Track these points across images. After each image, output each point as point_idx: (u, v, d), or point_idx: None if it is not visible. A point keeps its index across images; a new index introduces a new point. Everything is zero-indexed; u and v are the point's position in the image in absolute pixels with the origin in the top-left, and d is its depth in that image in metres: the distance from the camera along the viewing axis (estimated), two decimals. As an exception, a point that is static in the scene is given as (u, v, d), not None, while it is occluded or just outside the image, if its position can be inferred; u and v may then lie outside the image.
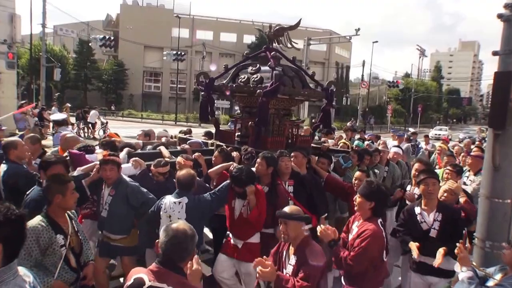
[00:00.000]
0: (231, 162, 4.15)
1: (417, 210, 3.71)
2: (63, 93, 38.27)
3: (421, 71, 65.96)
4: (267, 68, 5.24)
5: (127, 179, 3.78)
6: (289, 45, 5.78)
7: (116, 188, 3.69)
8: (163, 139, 5.91)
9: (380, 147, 6.80)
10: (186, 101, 46.43)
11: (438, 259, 3.17)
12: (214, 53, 44.66)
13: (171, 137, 6.31)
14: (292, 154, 4.47)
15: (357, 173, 4.38)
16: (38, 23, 25.66)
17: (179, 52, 34.33)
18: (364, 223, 3.11)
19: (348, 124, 22.19)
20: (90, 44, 40.00)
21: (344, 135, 9.85)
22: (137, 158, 4.11)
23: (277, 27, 5.53)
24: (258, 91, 4.77)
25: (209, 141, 5.61)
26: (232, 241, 3.85)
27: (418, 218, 3.69)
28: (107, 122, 22.34)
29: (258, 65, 5.40)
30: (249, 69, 5.46)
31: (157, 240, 2.14)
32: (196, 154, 4.57)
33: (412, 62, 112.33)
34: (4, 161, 3.78)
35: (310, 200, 4.16)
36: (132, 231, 3.79)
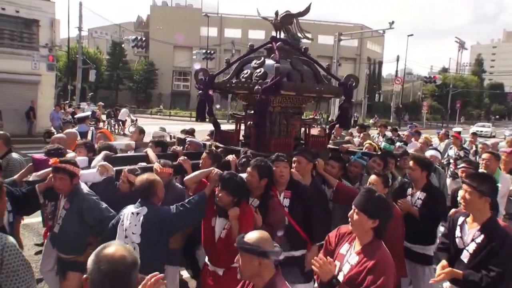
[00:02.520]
0: (211, 168, 3.41)
1: (460, 220, 2.92)
2: (96, 93, 39.28)
3: (460, 65, 62.37)
4: (272, 61, 4.55)
5: (85, 191, 3.21)
6: (299, 34, 5.06)
7: (71, 202, 3.16)
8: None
9: (411, 150, 5.89)
10: (215, 99, 46.32)
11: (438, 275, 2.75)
12: (243, 51, 43.65)
13: (171, 137, 5.77)
14: (294, 158, 3.73)
15: (372, 177, 3.54)
16: (75, 27, 26.69)
17: (208, 51, 34.24)
18: (369, 251, 2.31)
19: (371, 121, 20.89)
20: (122, 45, 40.97)
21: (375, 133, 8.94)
22: (104, 163, 3.52)
23: (284, 14, 4.81)
24: (256, 87, 4.09)
25: (208, 143, 4.99)
26: (210, 267, 3.16)
27: (456, 231, 2.91)
28: (136, 120, 23.07)
29: (262, 58, 4.70)
30: (253, 63, 4.78)
31: (84, 276, 1.58)
32: (181, 158, 3.92)
33: (450, 56, 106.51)
34: None
35: (307, 219, 3.41)
36: (87, 249, 3.19)
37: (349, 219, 2.42)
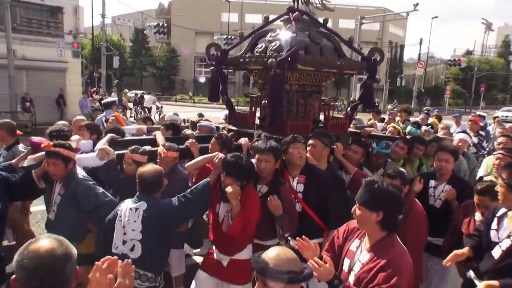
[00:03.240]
0: (216, 153, 3.00)
1: (501, 211, 2.49)
2: (121, 80, 39.43)
3: (486, 48, 59.10)
4: (289, 34, 4.06)
5: (80, 176, 2.86)
6: (319, 5, 4.52)
7: (66, 187, 2.83)
8: None
9: (440, 134, 5.29)
10: (236, 85, 45.76)
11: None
12: (263, 36, 43.16)
13: (184, 121, 5.39)
14: (309, 142, 3.26)
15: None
16: (98, 14, 26.60)
17: (228, 36, 33.61)
18: (382, 248, 1.97)
19: (390, 106, 19.74)
20: (145, 32, 40.81)
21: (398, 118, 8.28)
22: (104, 146, 3.15)
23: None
24: (270, 60, 3.61)
25: (221, 125, 4.57)
26: (215, 255, 2.83)
27: (493, 223, 2.49)
28: (161, 106, 23.07)
29: (278, 31, 4.21)
30: (268, 36, 4.30)
31: (12, 277, 1.31)
32: (189, 141, 3.51)
33: (475, 39, 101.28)
34: None
35: (323, 205, 2.99)
36: (88, 236, 2.95)
37: (354, 214, 2.08)
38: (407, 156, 4.00)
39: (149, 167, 2.63)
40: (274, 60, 3.55)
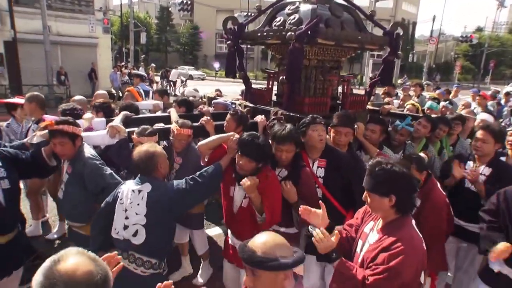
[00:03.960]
0: (231, 133, 2.58)
1: None
2: (147, 55, 38.84)
3: (497, 25, 55.15)
4: (309, 6, 3.53)
5: (87, 154, 2.50)
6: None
7: (73, 165, 2.49)
8: (190, 99, 4.48)
9: (463, 112, 4.72)
10: (254, 60, 44.64)
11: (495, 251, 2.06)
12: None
13: (202, 97, 4.99)
14: (338, 128, 2.77)
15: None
16: None
17: (249, 14, 32.27)
18: (391, 229, 1.71)
19: (400, 81, 18.38)
20: (169, 9, 39.74)
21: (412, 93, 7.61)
22: (115, 124, 2.76)
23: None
24: (289, 33, 3.13)
25: (237, 102, 4.16)
26: (230, 241, 2.51)
27: None
28: (186, 80, 22.70)
29: (297, 3, 3.67)
30: (287, 9, 3.77)
31: None
32: (204, 118, 3.12)
33: (487, 15, 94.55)
34: None
35: (346, 190, 2.58)
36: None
37: (365, 200, 1.82)
38: (429, 136, 3.53)
39: (141, 149, 2.22)
40: (293, 33, 3.06)
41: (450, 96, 8.23)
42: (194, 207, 2.62)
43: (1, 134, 3.73)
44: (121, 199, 2.18)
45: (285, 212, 2.36)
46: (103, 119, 3.23)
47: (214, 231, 4.49)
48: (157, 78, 22.72)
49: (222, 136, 2.55)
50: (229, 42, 3.88)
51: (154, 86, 20.91)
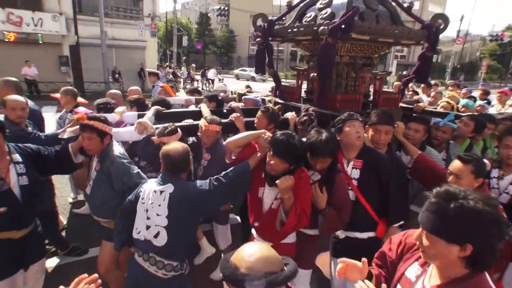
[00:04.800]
0: (262, 130, 2.12)
1: None
2: (188, 56, 39.25)
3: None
4: (342, 1, 3.04)
5: (116, 152, 2.23)
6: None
7: (101, 163, 2.22)
8: (221, 95, 4.14)
9: (510, 110, 4.00)
10: (284, 61, 43.90)
11: None
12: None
13: (232, 93, 4.62)
14: (378, 127, 2.28)
15: (455, 164, 1.92)
16: (171, 0, 26.25)
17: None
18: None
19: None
20: (208, 15, 39.92)
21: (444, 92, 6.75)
22: (142, 120, 2.45)
23: None
24: (321, 27, 2.67)
25: (267, 98, 3.76)
26: (256, 240, 2.12)
27: None
28: (223, 79, 22.81)
29: (330, -2, 3.19)
30: (318, 3, 3.30)
31: None
32: (234, 115, 2.76)
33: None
34: None
35: (384, 196, 2.11)
36: None
37: (417, 243, 1.17)
38: (473, 136, 2.95)
39: (176, 145, 1.93)
40: (326, 27, 2.61)
41: (476, 95, 7.23)
42: (218, 207, 2.27)
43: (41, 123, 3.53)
44: (142, 199, 1.90)
45: (314, 213, 1.98)
46: (135, 112, 2.97)
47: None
48: (197, 77, 22.89)
49: (252, 133, 2.11)
50: (258, 39, 3.47)
51: (195, 84, 21.15)
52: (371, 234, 2.14)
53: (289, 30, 3.27)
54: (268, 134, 2.04)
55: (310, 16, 3.22)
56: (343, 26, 2.62)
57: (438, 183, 1.97)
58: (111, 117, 2.76)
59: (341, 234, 2.19)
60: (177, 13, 29.18)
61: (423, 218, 1.11)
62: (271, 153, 1.85)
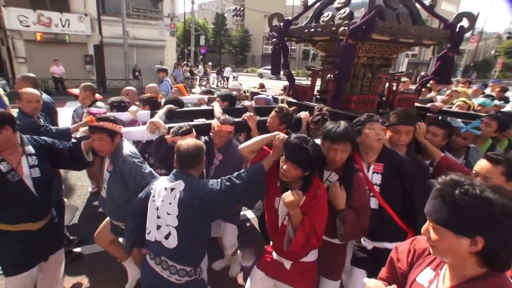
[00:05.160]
0: (275, 132, 1.87)
1: None
2: (204, 55, 39.25)
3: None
4: (360, 0, 2.82)
5: (127, 152, 2.08)
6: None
7: (113, 163, 2.10)
8: (234, 93, 3.93)
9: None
10: (296, 60, 43.32)
11: None
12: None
13: (245, 92, 4.44)
14: (397, 127, 2.05)
15: (482, 163, 1.64)
16: (189, 1, 26.27)
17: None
18: None
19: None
20: (224, 15, 39.73)
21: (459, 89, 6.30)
22: (154, 119, 2.30)
23: None
24: (342, 28, 2.46)
25: (280, 97, 3.55)
26: (275, 257, 1.88)
27: None
28: (237, 76, 22.75)
29: (348, -4, 2.96)
30: (335, 3, 3.07)
31: None
32: (246, 114, 2.59)
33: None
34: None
35: (408, 202, 1.88)
36: None
37: (428, 239, 1.01)
38: (495, 136, 2.68)
39: (189, 140, 1.78)
40: (346, 28, 2.40)
41: (489, 92, 6.74)
42: (230, 208, 2.10)
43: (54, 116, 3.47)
44: (153, 196, 1.75)
45: (330, 220, 1.75)
46: (148, 111, 2.85)
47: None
48: (213, 74, 22.86)
49: (265, 137, 1.89)
50: (274, 39, 3.28)
51: (211, 81, 21.11)
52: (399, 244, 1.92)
53: (306, 30, 3.06)
54: (283, 135, 1.82)
55: (327, 16, 3.00)
56: (363, 27, 2.40)
57: None
58: (125, 115, 2.65)
59: (368, 244, 1.98)
60: (194, 14, 29.11)
61: (428, 208, 0.98)
62: (284, 157, 1.65)
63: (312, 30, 2.97)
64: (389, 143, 2.09)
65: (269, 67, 3.60)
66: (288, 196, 1.57)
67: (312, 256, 1.82)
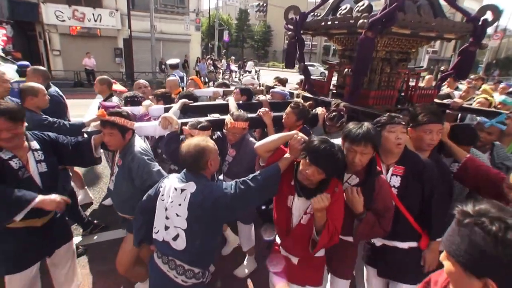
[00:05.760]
0: (293, 132, 1.72)
1: None
2: (227, 50, 39.10)
3: None
4: (381, -10, 2.60)
5: (138, 148, 1.97)
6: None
7: (123, 158, 2.00)
8: (249, 87, 3.67)
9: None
10: (317, 55, 42.27)
11: None
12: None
13: (259, 86, 4.28)
14: (421, 120, 1.84)
15: None
16: None
17: (314, 14, 30.05)
18: None
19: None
20: (247, 11, 39.28)
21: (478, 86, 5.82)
22: (167, 114, 2.19)
23: None
24: (361, 20, 2.27)
25: (295, 92, 3.37)
26: (282, 251, 1.78)
27: None
28: (259, 70, 22.48)
29: (367, -11, 2.74)
30: (354, -5, 2.87)
31: None
32: (262, 109, 2.43)
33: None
34: None
35: (425, 206, 1.72)
36: None
37: (447, 271, 0.85)
38: None
39: (191, 142, 1.61)
40: (366, 21, 2.21)
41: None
42: (244, 212, 2.00)
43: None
44: (162, 195, 1.63)
45: (345, 218, 1.63)
46: (161, 106, 2.74)
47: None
48: (235, 68, 22.64)
49: (282, 135, 1.73)
50: (290, 32, 3.12)
51: (233, 75, 20.97)
52: (412, 244, 1.76)
53: (322, 23, 2.88)
54: (301, 135, 1.66)
55: (345, 9, 2.80)
56: (383, 20, 2.21)
57: (494, 189, 1.62)
58: (137, 110, 2.56)
59: (377, 241, 1.85)
60: (219, 9, 28.92)
61: (447, 240, 0.84)
62: (308, 161, 1.50)
63: (329, 23, 2.79)
64: (415, 144, 1.88)
65: (315, 64, 3.40)
66: (318, 201, 1.45)
67: (320, 251, 1.71)
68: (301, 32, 3.12)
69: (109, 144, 2.00)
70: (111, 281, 2.53)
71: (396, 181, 1.74)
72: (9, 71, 7.63)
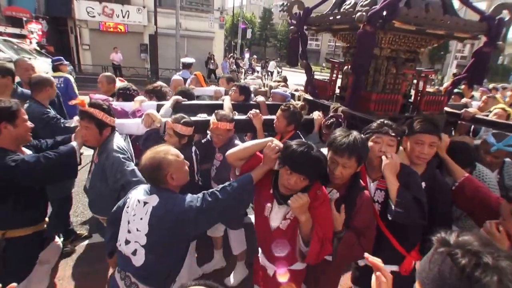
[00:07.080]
0: (269, 138, 1.53)
1: None
2: (250, 48, 39.04)
3: None
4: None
5: (114, 146, 1.82)
6: None
7: (99, 155, 1.88)
8: (252, 88, 3.56)
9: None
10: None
11: None
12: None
13: (264, 86, 4.13)
14: (416, 129, 1.63)
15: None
16: None
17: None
18: None
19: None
20: (271, 10, 39.00)
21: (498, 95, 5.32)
22: (150, 111, 2.06)
23: None
24: (359, 13, 2.09)
25: (296, 93, 3.18)
26: (260, 260, 1.66)
27: None
28: (281, 71, 22.16)
29: (373, -17, 2.54)
30: (360, -11, 2.68)
31: None
32: (252, 111, 2.27)
33: None
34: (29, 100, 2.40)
35: (410, 223, 1.49)
36: None
37: None
38: None
39: (147, 155, 1.43)
40: (364, 14, 2.04)
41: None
42: (213, 225, 1.82)
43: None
44: (127, 207, 1.47)
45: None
46: (154, 102, 2.63)
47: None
48: (258, 68, 22.49)
49: (256, 142, 1.55)
50: (292, 27, 2.98)
51: (255, 74, 20.64)
52: (395, 267, 1.58)
53: (325, 18, 2.73)
54: (276, 142, 1.49)
55: (349, 4, 2.64)
56: (384, 13, 2.03)
57: (489, 215, 1.37)
58: (129, 105, 2.47)
59: (361, 261, 1.70)
60: (243, 8, 28.94)
61: (420, 265, 0.74)
62: (289, 170, 1.33)
63: (331, 18, 2.63)
64: (408, 156, 1.67)
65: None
66: (296, 200, 1.32)
67: (301, 264, 1.56)
68: (305, 27, 2.98)
69: (85, 138, 1.86)
70: (92, 282, 2.45)
71: (380, 196, 1.56)
72: (44, 65, 7.80)
